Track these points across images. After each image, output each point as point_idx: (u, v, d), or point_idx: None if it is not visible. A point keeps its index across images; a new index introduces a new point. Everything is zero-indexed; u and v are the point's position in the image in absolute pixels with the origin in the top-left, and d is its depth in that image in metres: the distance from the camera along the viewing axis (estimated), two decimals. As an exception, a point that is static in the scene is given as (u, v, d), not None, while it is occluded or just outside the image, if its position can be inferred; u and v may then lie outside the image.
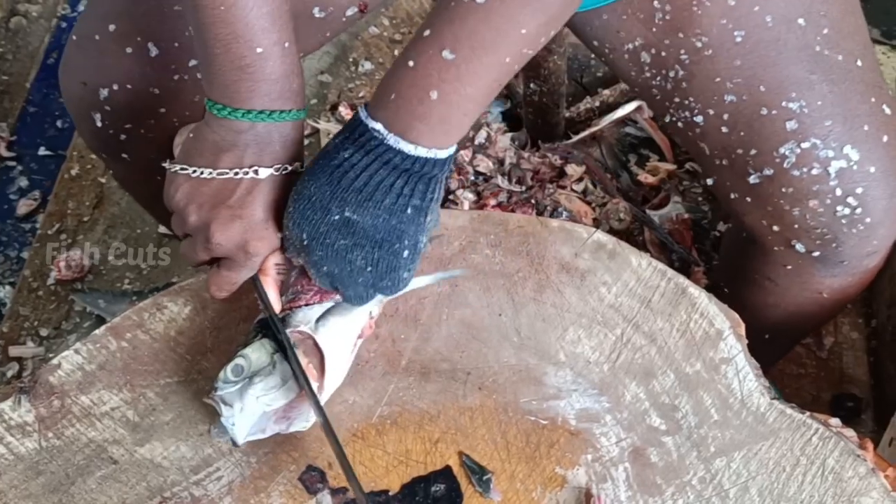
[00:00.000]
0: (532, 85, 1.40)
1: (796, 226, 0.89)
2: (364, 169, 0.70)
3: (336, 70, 1.70)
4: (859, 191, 0.86)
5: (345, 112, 1.61)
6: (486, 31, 0.67)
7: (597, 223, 1.40)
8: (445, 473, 0.76)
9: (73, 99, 0.98)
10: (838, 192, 0.86)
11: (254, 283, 0.77)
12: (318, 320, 0.75)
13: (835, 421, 0.79)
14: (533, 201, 1.39)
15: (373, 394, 0.80)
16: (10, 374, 1.49)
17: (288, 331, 0.75)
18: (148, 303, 0.84)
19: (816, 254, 0.91)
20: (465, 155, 1.47)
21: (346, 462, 0.72)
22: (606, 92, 1.58)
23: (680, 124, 0.92)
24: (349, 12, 0.96)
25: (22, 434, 0.77)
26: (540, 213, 1.37)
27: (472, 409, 0.79)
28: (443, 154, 0.71)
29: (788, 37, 0.85)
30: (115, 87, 0.93)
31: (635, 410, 0.79)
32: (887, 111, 0.88)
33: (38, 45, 1.90)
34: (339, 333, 0.76)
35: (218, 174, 0.73)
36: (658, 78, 0.91)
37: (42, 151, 1.76)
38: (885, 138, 0.87)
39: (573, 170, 1.45)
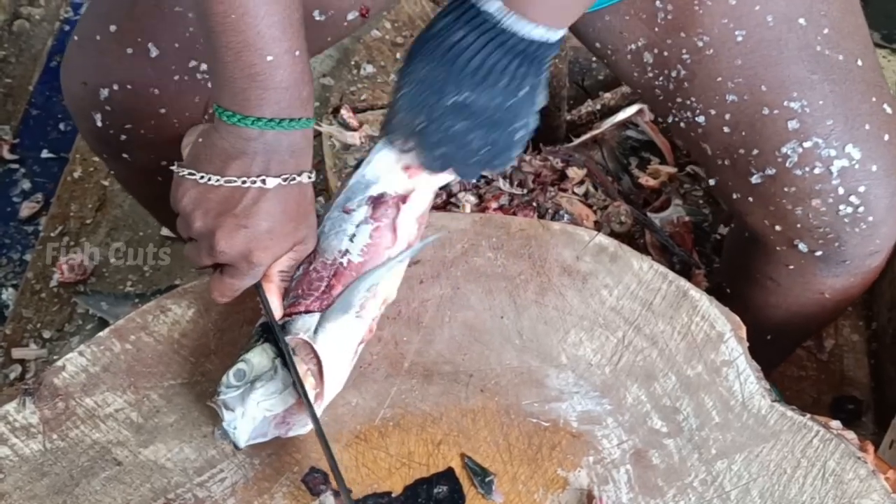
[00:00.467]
0: (533, 88, 1.41)
1: (799, 225, 0.89)
2: (479, 51, 0.71)
3: (338, 73, 1.70)
4: (861, 189, 0.87)
5: (346, 115, 1.62)
6: None
7: (598, 226, 1.40)
8: (448, 475, 0.77)
9: (73, 99, 0.98)
10: (840, 190, 0.86)
11: (257, 290, 0.77)
12: (316, 328, 0.76)
13: (835, 423, 0.80)
14: (534, 204, 1.39)
15: (375, 396, 0.80)
16: (12, 376, 1.49)
17: (288, 338, 0.75)
18: (151, 305, 0.84)
19: (819, 253, 0.91)
20: (467, 158, 1.47)
21: (339, 471, 0.73)
22: (607, 95, 1.59)
23: (682, 125, 0.92)
24: (350, 16, 0.96)
25: (26, 436, 0.78)
26: (541, 216, 1.37)
27: (474, 411, 0.79)
28: (555, 36, 0.72)
29: (789, 36, 0.86)
30: (116, 87, 0.93)
31: (637, 413, 0.79)
32: (888, 110, 0.89)
33: (40, 48, 1.90)
34: (338, 340, 0.76)
35: (225, 182, 0.72)
36: (660, 78, 0.91)
37: (45, 154, 1.76)
38: (886, 137, 0.88)
39: (574, 173, 1.45)
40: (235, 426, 0.73)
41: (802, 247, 0.91)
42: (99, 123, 0.96)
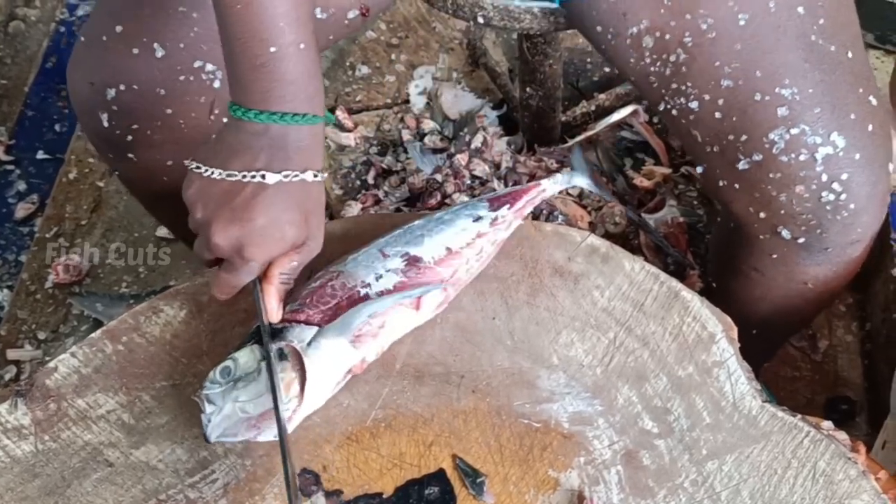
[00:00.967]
0: (528, 89, 1.41)
1: (782, 211, 0.91)
2: None
3: (333, 74, 1.70)
4: (844, 177, 0.88)
5: (342, 116, 1.62)
6: None
7: (593, 227, 1.40)
8: (439, 476, 0.77)
9: (80, 99, 0.99)
10: (824, 177, 0.88)
11: (254, 289, 0.77)
12: (310, 341, 0.76)
13: (827, 424, 0.80)
14: (529, 205, 1.39)
15: (367, 397, 0.80)
16: (7, 377, 1.49)
17: (282, 343, 0.75)
18: (144, 306, 0.84)
19: (801, 240, 0.92)
20: (462, 159, 1.47)
21: (293, 483, 0.72)
22: (602, 96, 1.59)
23: (674, 112, 0.93)
24: (350, 15, 0.97)
25: (18, 437, 0.78)
26: (535, 217, 1.37)
27: (465, 412, 0.79)
28: None
29: (788, 24, 0.87)
30: (122, 87, 0.94)
31: (628, 413, 0.79)
32: (873, 102, 0.91)
33: (36, 50, 1.90)
34: (328, 359, 0.76)
35: (227, 175, 0.73)
36: (658, 64, 0.92)
37: (40, 155, 1.76)
38: (870, 127, 0.89)
39: (569, 173, 1.45)
40: (210, 419, 0.74)
41: (785, 233, 0.92)
42: (105, 124, 0.97)
